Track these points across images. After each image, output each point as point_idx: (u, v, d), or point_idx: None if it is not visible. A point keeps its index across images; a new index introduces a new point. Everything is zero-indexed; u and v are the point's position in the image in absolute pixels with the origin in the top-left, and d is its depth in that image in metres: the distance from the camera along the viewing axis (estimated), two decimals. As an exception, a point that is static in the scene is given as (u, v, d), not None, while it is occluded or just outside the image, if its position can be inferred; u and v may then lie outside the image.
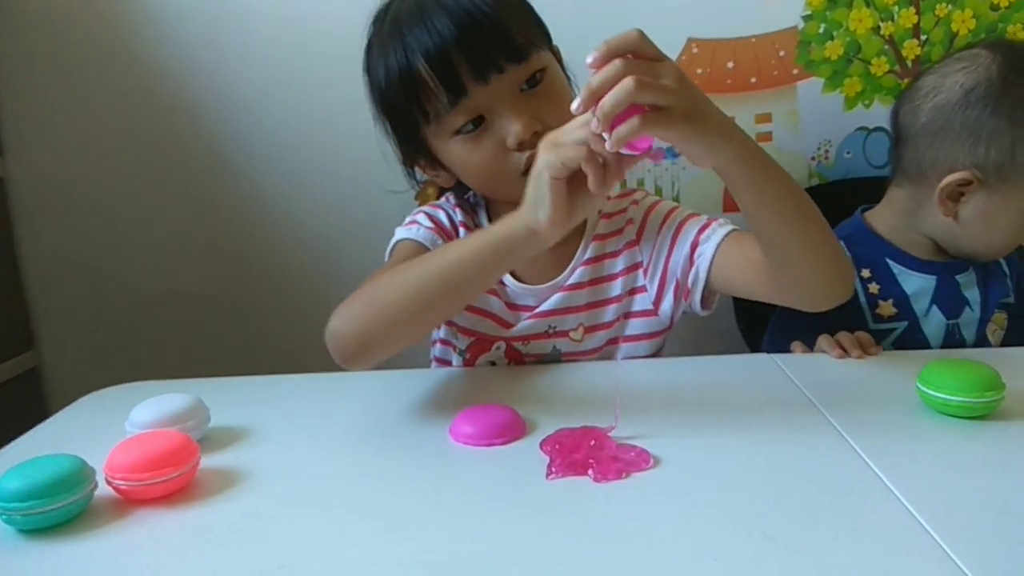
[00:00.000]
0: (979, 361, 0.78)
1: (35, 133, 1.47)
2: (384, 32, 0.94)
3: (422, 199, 1.42)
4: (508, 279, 1.02)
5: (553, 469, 0.69)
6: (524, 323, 1.02)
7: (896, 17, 1.37)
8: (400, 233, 1.03)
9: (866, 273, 1.13)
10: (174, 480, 0.67)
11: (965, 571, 0.52)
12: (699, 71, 1.39)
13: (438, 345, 1.12)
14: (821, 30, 1.38)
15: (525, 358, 1.03)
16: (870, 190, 1.24)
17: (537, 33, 0.95)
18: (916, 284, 1.13)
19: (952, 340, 1.13)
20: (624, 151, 0.71)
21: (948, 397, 0.75)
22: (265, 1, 1.41)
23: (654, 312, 1.02)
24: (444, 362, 1.11)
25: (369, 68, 0.97)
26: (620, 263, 1.03)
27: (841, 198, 1.29)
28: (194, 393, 0.81)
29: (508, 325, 1.02)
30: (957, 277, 1.13)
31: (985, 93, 1.04)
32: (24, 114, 1.46)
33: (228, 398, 0.88)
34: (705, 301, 0.99)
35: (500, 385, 0.95)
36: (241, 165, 1.47)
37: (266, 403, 0.90)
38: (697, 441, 0.74)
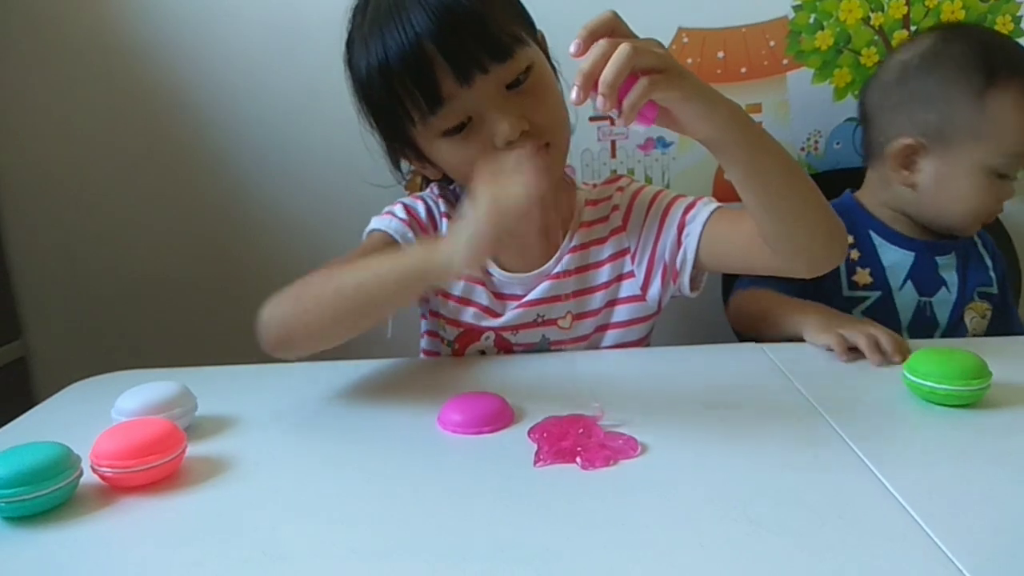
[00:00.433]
0: (966, 350, 0.79)
1: (22, 123, 1.46)
2: (364, 26, 0.91)
3: (412, 188, 1.42)
4: (494, 269, 1.02)
5: (541, 457, 0.69)
6: (513, 312, 1.02)
7: (886, 8, 1.37)
8: (374, 222, 1.03)
9: (849, 239, 1.15)
10: (160, 468, 0.67)
11: (950, 556, 0.52)
12: (689, 61, 1.39)
13: (425, 337, 1.12)
14: (811, 20, 1.38)
15: (515, 347, 1.03)
16: (859, 180, 1.25)
17: (521, 25, 0.92)
18: (894, 257, 1.16)
19: (922, 317, 1.15)
20: (635, 125, 0.71)
21: (935, 385, 0.75)
22: (253, -11, 1.40)
23: (642, 298, 1.02)
24: (433, 354, 1.11)
25: (351, 62, 0.95)
26: (607, 250, 1.03)
27: (830, 188, 1.29)
28: (181, 382, 0.81)
29: (496, 315, 1.02)
30: (937, 258, 1.16)
31: (920, 63, 1.12)
32: (10, 103, 1.45)
33: (215, 387, 0.88)
34: (694, 282, 0.99)
35: (488, 373, 0.95)
36: (228, 154, 1.46)
37: (253, 392, 0.90)
38: (684, 429, 0.75)
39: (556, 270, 1.01)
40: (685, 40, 1.38)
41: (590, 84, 0.68)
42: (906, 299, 1.15)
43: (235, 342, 0.99)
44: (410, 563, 0.55)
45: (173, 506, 0.65)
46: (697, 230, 0.95)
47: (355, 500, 0.65)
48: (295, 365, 0.97)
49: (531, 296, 1.01)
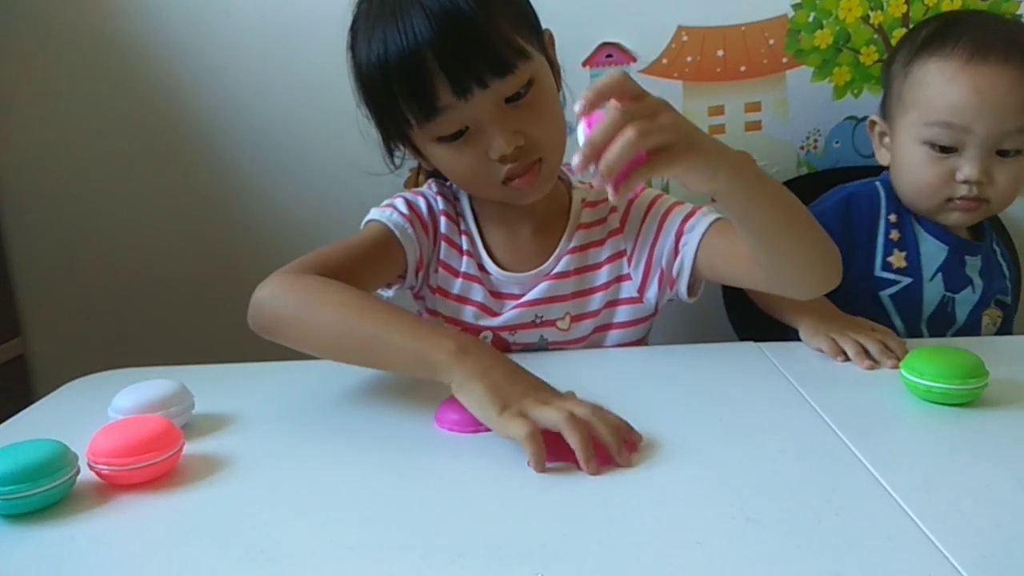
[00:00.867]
0: (963, 349, 0.79)
1: (21, 122, 1.46)
2: (369, 17, 0.90)
3: (410, 185, 1.42)
4: (492, 267, 1.02)
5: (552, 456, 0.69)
6: (511, 312, 1.02)
7: (886, 6, 1.37)
8: (373, 213, 1.02)
9: (893, 218, 1.15)
10: (156, 465, 0.67)
11: (946, 555, 0.52)
12: (689, 59, 1.39)
13: None
14: (811, 19, 1.37)
15: (512, 348, 1.03)
16: (859, 179, 1.25)
17: (526, 31, 0.90)
18: (930, 248, 1.14)
19: (943, 312, 1.14)
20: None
21: (932, 384, 0.75)
22: (251, -13, 1.40)
23: (639, 300, 1.02)
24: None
25: (353, 48, 0.94)
26: (605, 251, 1.03)
27: (830, 187, 1.29)
28: (178, 380, 0.81)
29: (494, 313, 1.02)
30: (966, 257, 1.15)
31: (899, 46, 1.17)
32: (10, 102, 1.45)
33: (212, 385, 0.88)
34: (691, 288, 0.99)
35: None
36: (228, 152, 1.46)
37: (251, 390, 0.90)
38: (682, 427, 0.75)
39: (555, 271, 1.01)
40: (685, 38, 1.38)
41: (594, 157, 0.67)
42: (933, 292, 1.14)
43: (232, 340, 0.99)
44: (407, 561, 0.55)
45: (170, 504, 0.65)
46: (695, 241, 0.95)
47: (352, 498, 0.65)
48: (292, 363, 0.97)
49: (529, 296, 1.01)
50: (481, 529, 0.59)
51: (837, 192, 1.19)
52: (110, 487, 0.67)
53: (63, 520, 0.63)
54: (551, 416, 0.68)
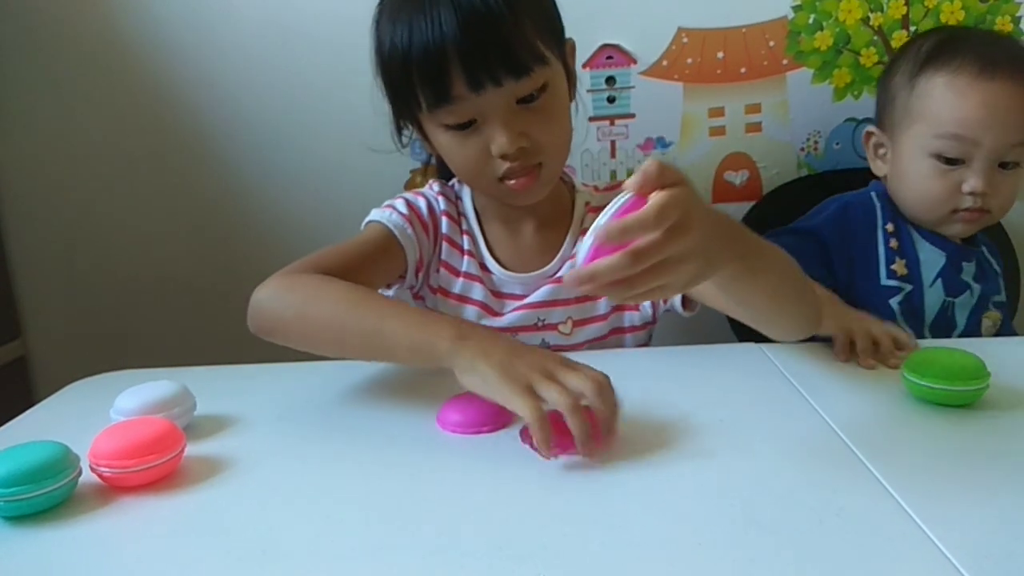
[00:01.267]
0: (964, 350, 0.79)
1: (22, 122, 1.46)
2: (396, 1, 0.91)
3: (410, 187, 1.42)
4: (494, 266, 1.02)
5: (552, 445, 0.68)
6: (513, 314, 1.02)
7: (885, 8, 1.37)
8: (373, 214, 1.03)
9: (891, 227, 1.15)
10: (158, 467, 0.67)
11: (948, 556, 0.52)
12: (689, 61, 1.39)
13: None
14: (811, 20, 1.38)
15: None
16: (859, 181, 1.25)
17: (547, 39, 0.90)
18: (928, 254, 1.15)
19: (944, 317, 1.15)
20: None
21: (933, 385, 0.75)
22: (251, -12, 1.40)
23: (636, 307, 1.03)
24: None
25: (378, 23, 0.94)
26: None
27: (830, 189, 1.29)
28: (180, 381, 0.81)
29: (496, 313, 1.02)
30: (963, 263, 1.16)
31: (899, 58, 1.17)
32: (12, 102, 1.45)
33: (214, 386, 0.88)
34: (686, 305, 1.00)
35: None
36: (228, 154, 1.46)
37: (252, 391, 0.90)
38: (683, 428, 0.75)
39: (558, 274, 1.01)
40: (685, 40, 1.38)
41: (593, 283, 0.61)
42: (933, 297, 1.14)
43: (234, 341, 0.99)
44: (409, 562, 0.55)
45: (172, 505, 0.65)
46: None
47: (354, 499, 0.65)
48: (294, 364, 0.97)
49: (532, 299, 1.01)
50: (483, 530, 0.59)
51: (833, 202, 1.20)
52: (112, 489, 0.67)
53: (65, 522, 0.62)
54: (555, 398, 0.67)
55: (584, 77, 1.37)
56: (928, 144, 1.09)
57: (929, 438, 0.72)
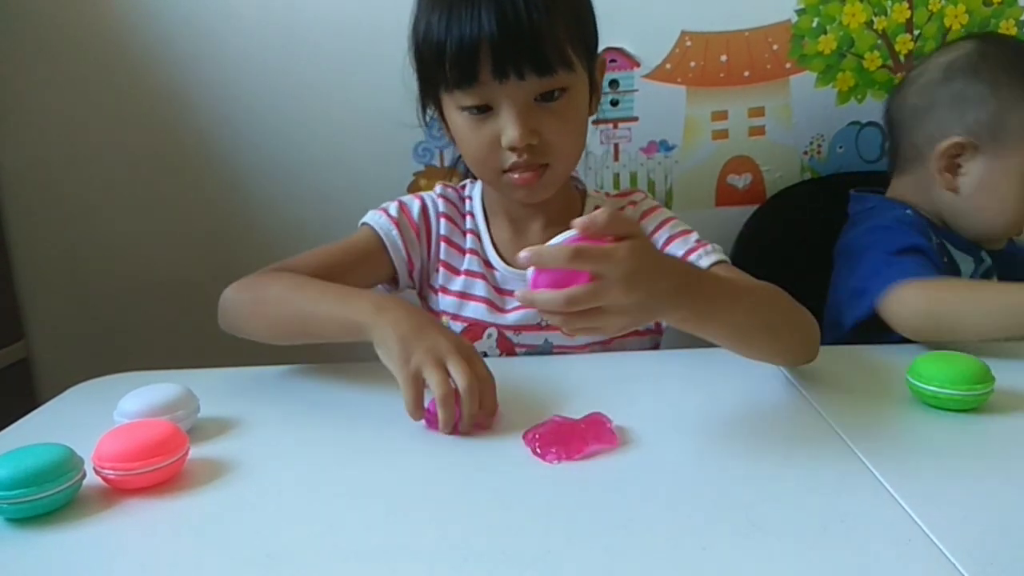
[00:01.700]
0: (969, 355, 0.79)
1: (25, 124, 1.46)
2: None
3: (413, 190, 1.43)
4: (497, 263, 1.03)
5: (553, 451, 0.69)
6: (517, 313, 1.02)
7: (889, 12, 1.37)
8: (367, 216, 1.06)
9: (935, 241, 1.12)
10: (163, 470, 0.67)
11: (953, 562, 0.52)
12: (692, 64, 1.39)
13: None
14: (814, 24, 1.38)
15: (516, 349, 1.04)
16: (862, 185, 1.25)
17: (578, 47, 0.92)
18: (967, 266, 1.14)
19: None
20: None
21: (938, 390, 0.75)
22: (254, -11, 1.40)
23: None
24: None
25: (419, 5, 0.96)
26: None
27: (833, 193, 1.30)
28: (183, 384, 0.81)
29: (499, 309, 1.03)
30: (996, 268, 1.15)
31: (964, 64, 1.10)
32: (15, 104, 1.46)
33: (218, 389, 0.88)
34: None
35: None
36: (231, 154, 1.46)
37: (255, 394, 0.90)
38: (687, 432, 0.75)
39: None
40: (688, 43, 1.38)
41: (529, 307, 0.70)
42: None
43: (237, 344, 0.99)
44: (412, 565, 0.55)
45: (175, 508, 0.65)
46: None
47: (357, 502, 0.65)
48: (297, 367, 0.97)
49: None
50: (486, 534, 0.59)
51: (891, 209, 1.16)
52: (115, 491, 0.67)
53: (69, 524, 0.62)
54: (435, 384, 0.74)
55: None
56: None
57: (934, 443, 0.72)
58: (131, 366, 1.00)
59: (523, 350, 1.04)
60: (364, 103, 1.40)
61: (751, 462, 0.68)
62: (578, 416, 0.74)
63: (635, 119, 1.42)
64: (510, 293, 1.03)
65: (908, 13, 1.37)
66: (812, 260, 1.28)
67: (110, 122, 1.46)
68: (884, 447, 0.70)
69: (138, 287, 1.52)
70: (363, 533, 0.60)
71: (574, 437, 0.70)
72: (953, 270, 1.12)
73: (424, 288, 1.08)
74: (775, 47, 1.39)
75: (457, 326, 1.05)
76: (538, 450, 0.70)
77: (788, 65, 1.40)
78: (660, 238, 1.01)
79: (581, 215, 1.03)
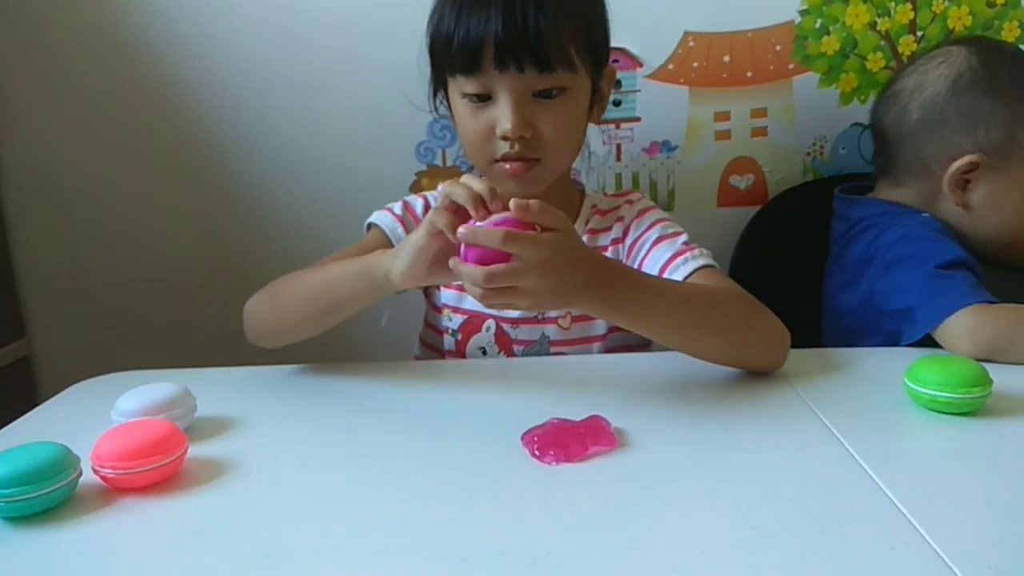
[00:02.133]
0: (966, 358, 0.78)
1: (28, 122, 1.46)
2: None
3: (415, 189, 1.43)
4: None
5: (551, 453, 0.69)
6: None
7: (893, 13, 1.37)
8: (373, 216, 1.08)
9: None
10: (161, 468, 0.67)
11: (950, 565, 0.52)
12: (695, 65, 1.39)
13: (424, 328, 1.15)
14: (817, 25, 1.37)
15: (514, 344, 1.04)
16: (865, 186, 1.24)
17: (582, 52, 0.94)
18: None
19: None
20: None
21: (935, 393, 0.75)
22: (255, -12, 1.40)
23: None
24: (429, 346, 1.13)
25: None
26: (607, 256, 1.04)
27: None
28: (181, 383, 0.81)
29: None
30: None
31: (972, 79, 1.08)
32: (17, 102, 1.46)
33: (215, 388, 0.88)
34: None
35: (490, 375, 0.95)
36: (233, 153, 1.46)
37: (253, 393, 0.90)
38: (685, 434, 0.75)
39: None
40: (691, 44, 1.38)
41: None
42: None
43: (235, 343, 1.00)
44: (411, 564, 0.55)
45: (172, 507, 0.65)
46: None
47: (356, 501, 0.65)
48: (294, 366, 0.97)
49: None
50: (486, 534, 0.59)
51: (912, 215, 1.14)
52: (113, 490, 0.67)
53: (65, 523, 0.63)
54: (444, 194, 0.80)
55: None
56: None
57: (931, 446, 0.72)
58: (132, 365, 1.00)
59: (521, 346, 1.04)
60: (366, 102, 1.40)
61: (750, 465, 0.68)
62: (577, 417, 0.74)
63: (637, 119, 1.42)
64: None
65: (911, 14, 1.37)
66: (814, 261, 1.28)
67: (112, 121, 1.46)
68: (882, 450, 0.70)
69: (139, 286, 1.52)
70: (361, 533, 0.60)
71: (573, 440, 0.70)
72: None
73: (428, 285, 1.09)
74: (778, 48, 1.39)
75: (457, 318, 1.06)
76: (537, 451, 0.70)
77: (791, 66, 1.39)
78: (649, 238, 1.02)
79: (579, 214, 1.05)
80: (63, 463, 0.64)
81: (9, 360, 1.48)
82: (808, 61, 1.39)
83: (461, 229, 0.74)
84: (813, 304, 1.24)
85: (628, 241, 1.04)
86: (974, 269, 1.02)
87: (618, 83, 1.39)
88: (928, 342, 0.97)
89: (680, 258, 0.97)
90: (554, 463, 0.69)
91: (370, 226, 1.07)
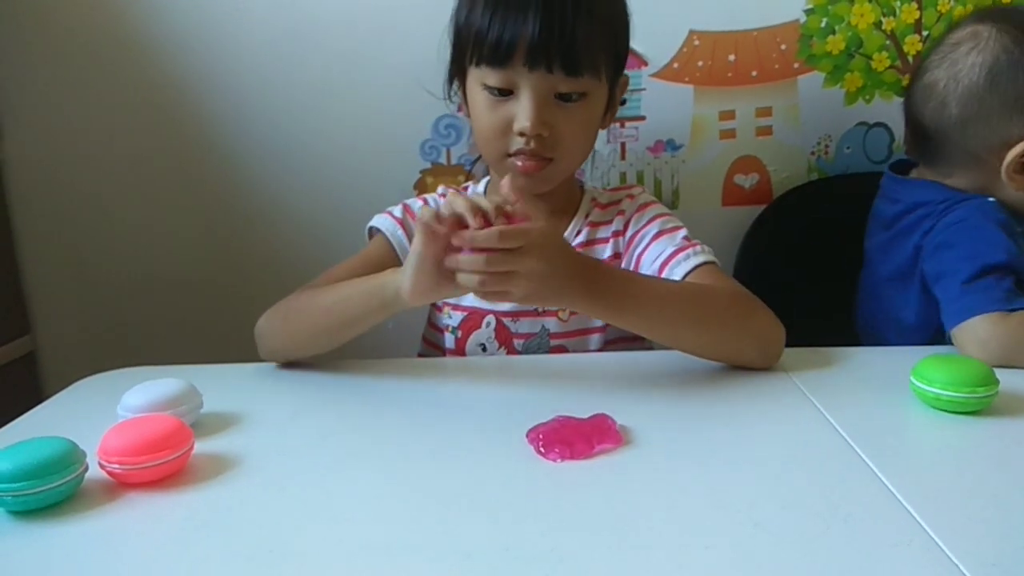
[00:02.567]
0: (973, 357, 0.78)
1: (32, 119, 1.47)
2: None
3: (420, 188, 1.43)
4: None
5: (556, 450, 0.69)
6: None
7: (898, 12, 1.37)
8: (374, 220, 1.09)
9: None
10: (168, 464, 0.67)
11: (955, 562, 0.52)
12: (700, 63, 1.39)
13: (427, 326, 1.15)
14: (823, 24, 1.37)
15: (514, 337, 1.05)
16: (870, 185, 1.24)
17: (608, 61, 0.97)
18: None
19: None
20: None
21: (941, 392, 0.75)
22: (261, -13, 1.40)
23: None
24: (431, 344, 1.13)
25: None
26: (608, 250, 1.06)
27: (841, 194, 1.29)
28: (187, 379, 0.81)
29: None
30: None
31: (1008, 63, 1.05)
32: (21, 100, 1.46)
33: (221, 384, 0.88)
34: None
35: (491, 373, 0.96)
36: (237, 152, 1.46)
37: (259, 389, 0.91)
38: (689, 431, 0.75)
39: None
40: (696, 43, 1.38)
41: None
42: None
43: (241, 339, 1.00)
44: (416, 561, 0.55)
45: (178, 502, 0.65)
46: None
47: (361, 498, 0.65)
48: (299, 363, 0.97)
49: None
50: (490, 531, 0.59)
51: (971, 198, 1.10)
52: (118, 485, 0.67)
53: (71, 518, 0.63)
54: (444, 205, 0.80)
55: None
56: None
57: (937, 445, 0.72)
58: (137, 361, 1.00)
59: (521, 340, 1.05)
60: (371, 101, 1.40)
61: (755, 462, 0.68)
62: (582, 415, 0.74)
63: (642, 118, 1.42)
64: None
65: (917, 14, 1.36)
66: (818, 260, 1.28)
67: (116, 119, 1.46)
68: (888, 449, 0.70)
69: (144, 283, 1.52)
70: (366, 529, 0.60)
71: (579, 437, 0.70)
72: None
73: None
74: (783, 47, 1.39)
75: (457, 315, 1.07)
76: (541, 449, 0.70)
77: (796, 65, 1.39)
78: (649, 232, 1.02)
79: (578, 208, 1.06)
80: (69, 458, 0.64)
81: (14, 356, 1.49)
82: (813, 60, 1.39)
83: (455, 240, 0.76)
84: (817, 302, 1.24)
85: (628, 234, 1.05)
86: (1020, 271, 1.00)
87: (623, 82, 1.39)
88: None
89: (681, 254, 0.97)
90: (559, 460, 0.69)
91: (371, 231, 1.08)
